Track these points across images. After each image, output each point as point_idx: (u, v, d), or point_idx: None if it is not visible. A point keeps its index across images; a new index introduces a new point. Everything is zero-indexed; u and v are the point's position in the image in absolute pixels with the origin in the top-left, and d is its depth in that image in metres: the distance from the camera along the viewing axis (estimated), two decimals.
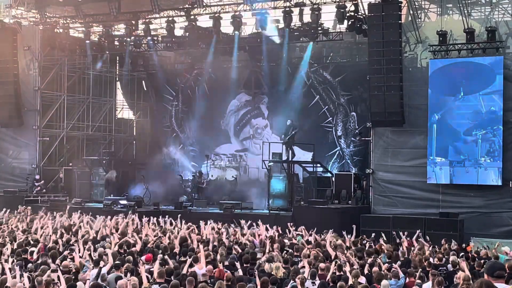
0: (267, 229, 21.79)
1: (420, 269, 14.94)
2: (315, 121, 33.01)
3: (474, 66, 25.22)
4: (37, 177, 34.11)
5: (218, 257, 15.70)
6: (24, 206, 29.34)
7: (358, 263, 15.42)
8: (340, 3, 27.71)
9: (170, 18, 31.43)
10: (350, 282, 13.15)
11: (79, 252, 15.88)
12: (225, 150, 36.14)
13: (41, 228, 21.18)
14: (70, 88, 36.22)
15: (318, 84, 33.57)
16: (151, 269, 14.05)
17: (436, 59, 25.92)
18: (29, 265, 14.28)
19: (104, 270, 13.52)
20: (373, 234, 22.21)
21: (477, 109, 25.20)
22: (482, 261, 15.98)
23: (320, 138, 32.71)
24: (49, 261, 14.59)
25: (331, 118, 33.25)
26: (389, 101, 25.88)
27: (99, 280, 12.68)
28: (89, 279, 12.87)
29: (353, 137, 32.33)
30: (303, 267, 14.64)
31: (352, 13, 27.88)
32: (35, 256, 15.63)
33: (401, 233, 20.73)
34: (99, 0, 32.02)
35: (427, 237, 20.70)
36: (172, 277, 13.07)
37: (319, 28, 29.53)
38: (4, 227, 22.05)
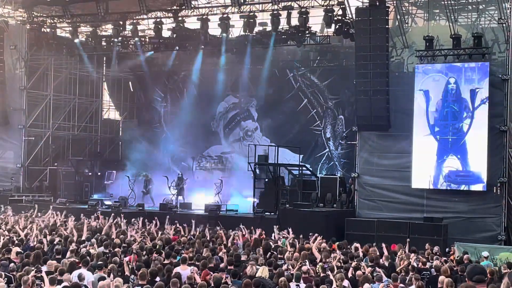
0: (251, 233, 21.78)
1: (404, 273, 15.00)
2: (303, 124, 33.07)
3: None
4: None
5: (203, 259, 15.68)
6: (8, 206, 29.20)
7: (342, 266, 15.46)
8: (328, 7, 27.82)
9: (158, 19, 31.41)
10: (334, 285, 13.18)
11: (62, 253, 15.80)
12: (215, 151, 36.28)
13: (26, 228, 21.07)
14: (57, 87, 36.10)
15: (306, 88, 33.70)
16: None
17: (423, 64, 26.03)
18: (11, 264, 14.20)
19: (84, 270, 13.46)
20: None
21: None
22: (464, 266, 16.05)
23: (309, 141, 32.79)
24: (33, 261, 14.51)
25: (319, 122, 33.38)
26: (375, 105, 25.96)
27: (77, 280, 12.65)
28: (71, 280, 12.81)
29: (341, 140, 32.49)
30: (287, 269, 14.65)
31: (340, 17, 27.98)
32: (19, 256, 15.53)
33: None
34: (87, 0, 31.92)
35: (408, 245, 20.54)
36: (157, 279, 13.04)
37: (307, 32, 29.60)
38: None
